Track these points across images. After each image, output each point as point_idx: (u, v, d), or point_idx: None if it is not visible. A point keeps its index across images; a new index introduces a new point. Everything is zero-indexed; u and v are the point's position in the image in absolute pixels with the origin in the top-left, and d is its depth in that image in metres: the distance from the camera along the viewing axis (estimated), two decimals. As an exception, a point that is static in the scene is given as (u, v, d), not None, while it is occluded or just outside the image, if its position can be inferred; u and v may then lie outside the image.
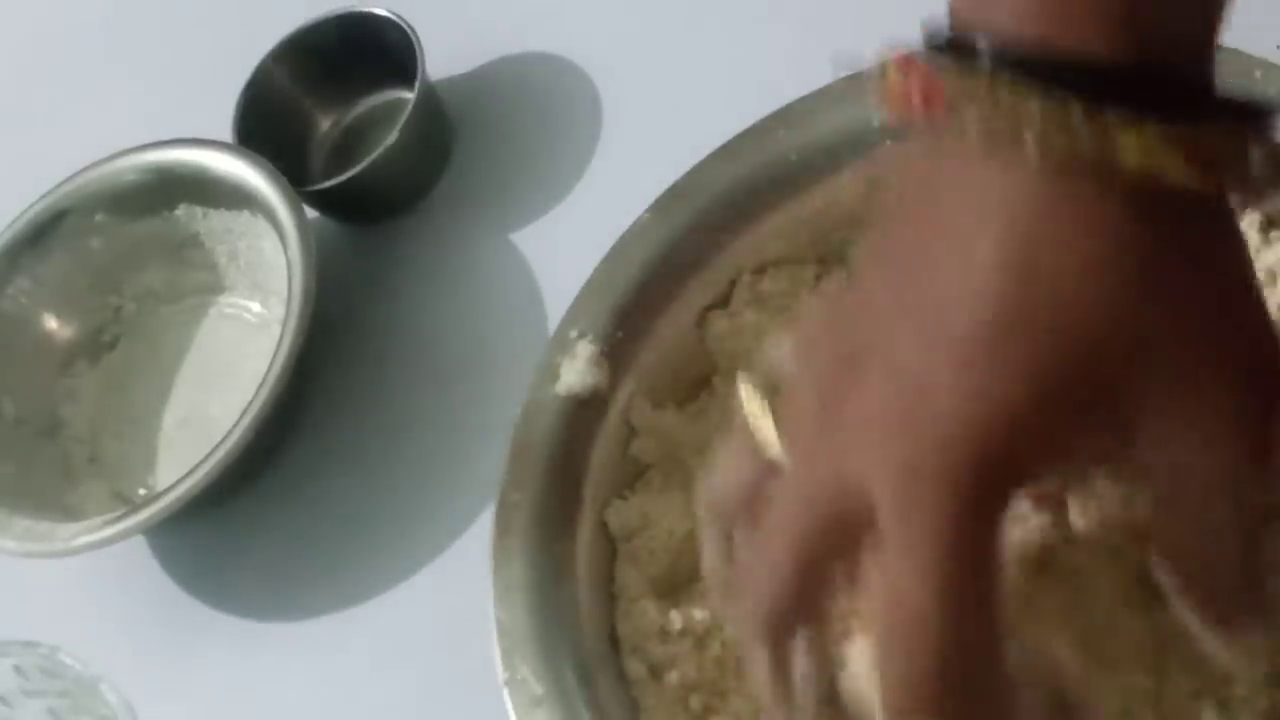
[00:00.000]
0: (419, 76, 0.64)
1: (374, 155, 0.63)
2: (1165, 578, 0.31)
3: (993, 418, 0.29)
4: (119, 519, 0.57)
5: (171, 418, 0.66)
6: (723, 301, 0.53)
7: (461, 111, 0.69)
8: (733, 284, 0.53)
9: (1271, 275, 0.47)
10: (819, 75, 0.45)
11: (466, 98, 0.69)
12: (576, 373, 0.50)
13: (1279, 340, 0.30)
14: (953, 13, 0.30)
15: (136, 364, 0.68)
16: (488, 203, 0.66)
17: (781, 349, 0.37)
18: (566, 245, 0.62)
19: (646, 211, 0.53)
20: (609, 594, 0.49)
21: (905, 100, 0.30)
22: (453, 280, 0.65)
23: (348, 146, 0.70)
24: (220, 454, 0.56)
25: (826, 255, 0.53)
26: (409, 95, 0.64)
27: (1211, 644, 0.31)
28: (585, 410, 0.50)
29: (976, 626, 0.30)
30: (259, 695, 0.58)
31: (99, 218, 0.67)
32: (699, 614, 0.47)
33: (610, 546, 0.50)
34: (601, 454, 0.50)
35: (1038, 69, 0.28)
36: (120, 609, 0.63)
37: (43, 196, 0.67)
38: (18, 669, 0.53)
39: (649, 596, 0.48)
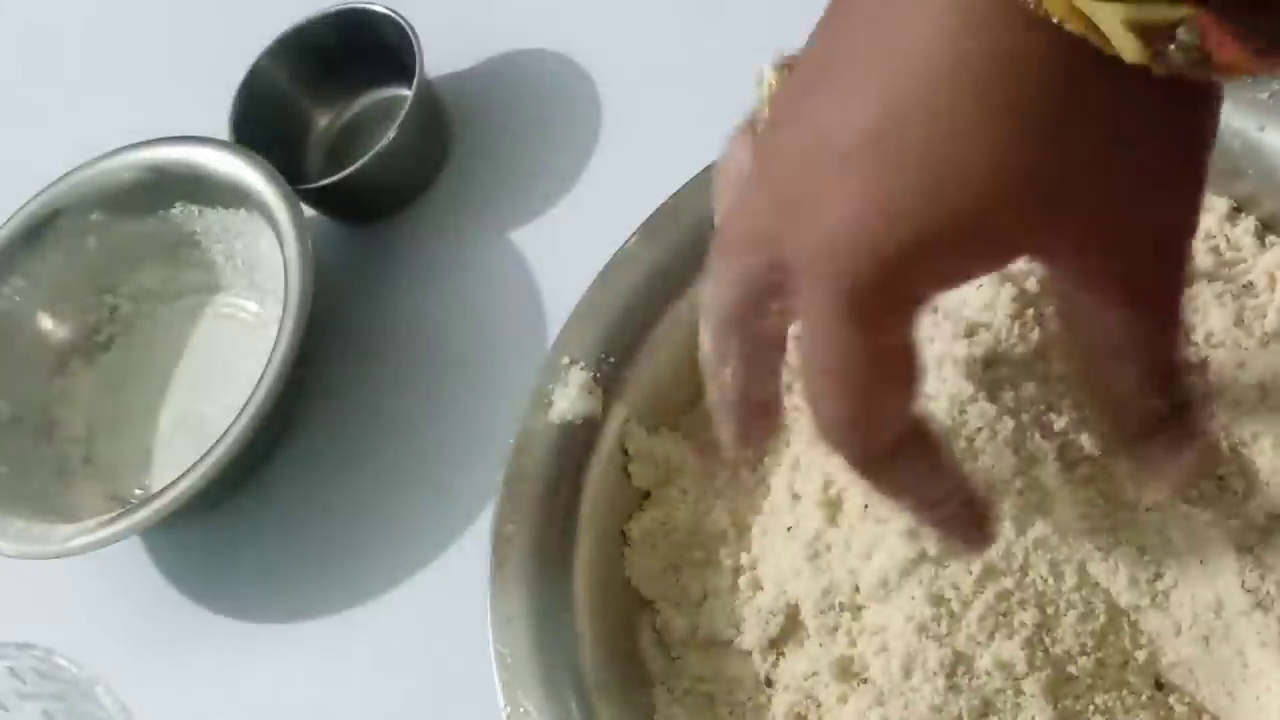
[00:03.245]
0: (417, 74, 0.63)
1: (372, 153, 0.63)
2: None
3: (868, 217, 0.29)
4: (114, 520, 0.57)
5: (167, 418, 0.66)
6: None
7: (460, 110, 0.68)
8: None
9: (1270, 279, 0.46)
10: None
11: (465, 96, 0.69)
12: (569, 400, 0.50)
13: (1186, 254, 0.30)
14: None
15: (132, 364, 0.68)
16: (486, 201, 0.66)
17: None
18: (566, 245, 0.62)
19: (634, 234, 0.52)
20: (609, 622, 0.48)
21: None
22: (451, 279, 0.64)
23: (345, 144, 0.69)
24: (216, 454, 0.56)
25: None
26: (407, 93, 0.64)
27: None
28: (579, 437, 0.50)
29: (883, 379, 0.31)
30: (255, 697, 0.58)
31: (94, 216, 0.67)
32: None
33: (609, 573, 0.49)
34: (597, 480, 0.50)
35: None
36: (116, 611, 0.62)
37: (37, 195, 0.67)
38: (12, 671, 0.53)
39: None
